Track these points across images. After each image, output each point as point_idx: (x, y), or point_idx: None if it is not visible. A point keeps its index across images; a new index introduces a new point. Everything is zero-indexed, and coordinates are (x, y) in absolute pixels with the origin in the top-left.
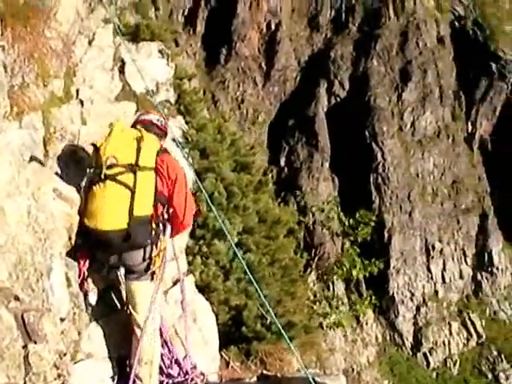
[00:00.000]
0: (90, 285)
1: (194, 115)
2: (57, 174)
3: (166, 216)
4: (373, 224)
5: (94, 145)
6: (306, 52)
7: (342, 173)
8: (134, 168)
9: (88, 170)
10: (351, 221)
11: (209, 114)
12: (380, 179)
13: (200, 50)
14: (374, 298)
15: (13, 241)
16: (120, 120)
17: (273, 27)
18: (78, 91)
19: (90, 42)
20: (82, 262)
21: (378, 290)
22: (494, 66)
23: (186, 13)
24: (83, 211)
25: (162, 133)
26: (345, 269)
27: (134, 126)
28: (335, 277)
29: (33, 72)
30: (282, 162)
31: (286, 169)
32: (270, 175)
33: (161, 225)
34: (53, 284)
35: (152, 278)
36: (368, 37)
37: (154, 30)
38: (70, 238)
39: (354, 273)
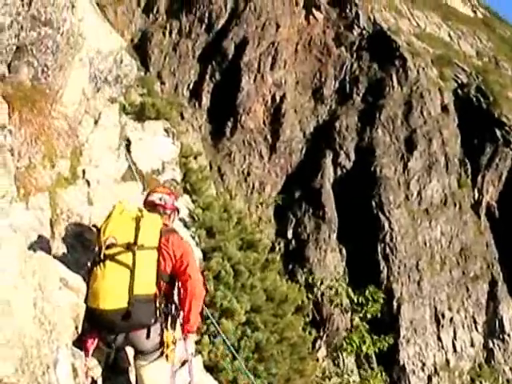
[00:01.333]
0: (97, 369)
1: (200, 194)
2: (63, 256)
3: (175, 296)
4: (381, 301)
5: (95, 226)
6: (311, 123)
7: (350, 243)
8: (132, 247)
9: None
10: (360, 298)
11: (215, 187)
12: (388, 249)
13: (205, 123)
14: (384, 373)
15: (19, 335)
16: (122, 201)
17: (277, 99)
18: (84, 171)
19: (96, 122)
20: (89, 344)
21: (388, 361)
22: (498, 132)
23: (191, 86)
24: (87, 293)
25: (169, 211)
26: (354, 345)
27: (144, 204)
28: (345, 353)
29: (39, 153)
30: (290, 234)
31: (293, 241)
32: (277, 248)
33: (170, 305)
34: (59, 376)
35: (166, 360)
36: (372, 107)
37: (159, 109)
38: (76, 328)
39: (364, 349)
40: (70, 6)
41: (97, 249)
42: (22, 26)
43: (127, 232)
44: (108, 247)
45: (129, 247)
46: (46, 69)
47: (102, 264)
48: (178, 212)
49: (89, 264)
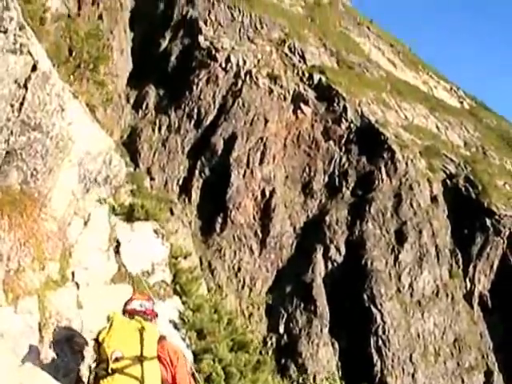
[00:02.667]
0: None
1: (190, 295)
2: (52, 362)
3: None
4: None
5: (95, 339)
6: (301, 218)
7: (342, 337)
8: (140, 359)
9: (92, 365)
10: None
11: (206, 282)
12: (380, 342)
13: (195, 219)
14: None
15: None
16: (116, 312)
17: (267, 194)
18: (73, 273)
19: (85, 223)
20: None
21: None
22: (488, 221)
23: (180, 182)
24: None
25: (150, 316)
26: None
27: (123, 313)
28: None
29: (29, 256)
30: (281, 328)
31: (285, 336)
32: (269, 343)
33: None
34: None
35: None
36: (362, 200)
37: (148, 210)
38: None
39: None
40: (60, 110)
41: (98, 362)
42: (11, 131)
43: (133, 344)
44: (115, 360)
45: (136, 359)
46: (35, 173)
47: (110, 378)
48: (156, 316)
49: (85, 376)
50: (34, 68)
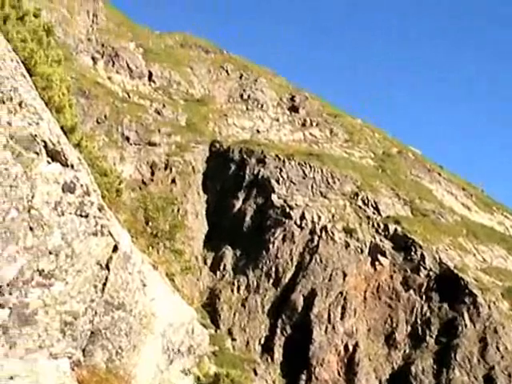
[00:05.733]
0: None
1: None
2: None
3: None
4: None
5: None
6: (386, 370)
7: None
8: None
9: None
10: None
11: None
12: None
13: (279, 377)
14: None
15: None
16: None
17: (350, 349)
18: None
19: None
20: None
21: None
22: None
23: (262, 341)
24: None
25: None
26: None
27: None
28: None
29: None
30: None
31: None
32: None
33: None
34: None
35: None
36: (447, 347)
37: (234, 379)
38: None
39: None
40: (142, 287)
41: None
42: (96, 312)
43: None
44: None
45: None
46: (120, 350)
47: None
48: None
49: None
50: (115, 248)
